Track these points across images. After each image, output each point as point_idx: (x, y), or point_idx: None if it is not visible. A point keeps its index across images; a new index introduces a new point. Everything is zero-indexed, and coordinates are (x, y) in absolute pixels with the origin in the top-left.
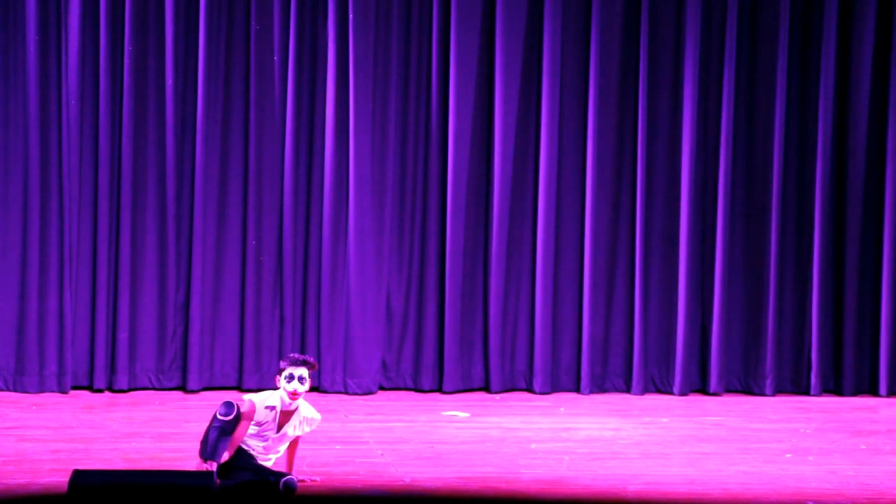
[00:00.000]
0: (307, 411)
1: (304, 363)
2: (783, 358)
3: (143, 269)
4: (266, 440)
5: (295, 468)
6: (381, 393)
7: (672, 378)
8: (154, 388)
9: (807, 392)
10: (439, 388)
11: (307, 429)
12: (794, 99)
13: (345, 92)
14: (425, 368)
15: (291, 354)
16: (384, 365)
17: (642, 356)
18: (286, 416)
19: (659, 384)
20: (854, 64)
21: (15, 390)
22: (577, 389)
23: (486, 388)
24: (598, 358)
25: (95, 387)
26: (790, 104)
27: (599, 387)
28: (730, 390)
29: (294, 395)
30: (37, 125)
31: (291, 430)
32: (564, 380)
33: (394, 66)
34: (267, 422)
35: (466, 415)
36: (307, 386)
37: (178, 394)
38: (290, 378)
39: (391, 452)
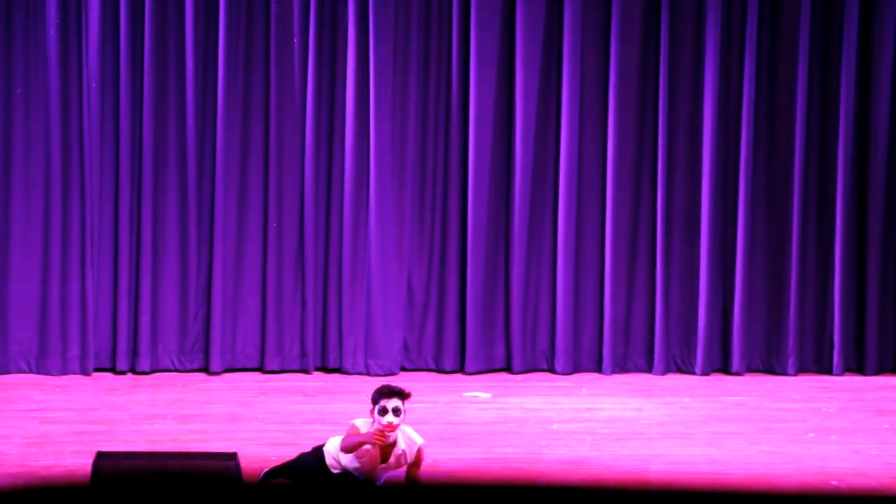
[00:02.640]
0: (406, 441)
1: (393, 393)
2: (805, 337)
3: (165, 252)
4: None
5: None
6: (402, 374)
7: (694, 358)
8: (176, 370)
9: (829, 371)
10: (461, 369)
11: (407, 458)
12: (815, 77)
13: (365, 74)
14: (447, 349)
15: (382, 385)
16: (406, 346)
17: (664, 336)
18: (383, 449)
19: (681, 364)
20: (875, 41)
21: (38, 373)
22: (599, 370)
23: (508, 369)
24: (620, 338)
25: (118, 369)
26: (812, 82)
27: (621, 367)
28: (752, 370)
29: (389, 427)
30: (58, 109)
31: (391, 460)
32: (586, 360)
33: (414, 48)
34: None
35: (488, 395)
36: (402, 417)
37: (201, 375)
38: (383, 411)
39: None
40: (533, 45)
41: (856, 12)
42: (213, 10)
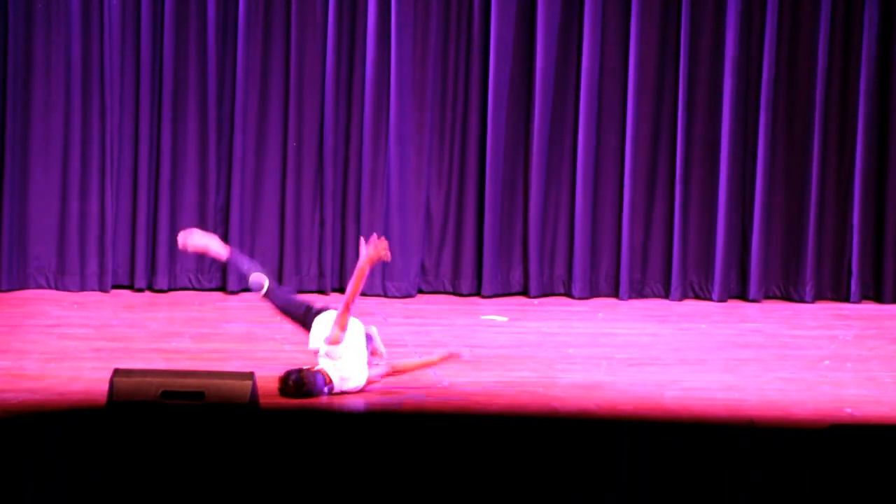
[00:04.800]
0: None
1: None
2: (823, 265)
3: (184, 171)
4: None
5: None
6: (420, 296)
7: (711, 284)
8: (194, 289)
9: (846, 299)
10: (478, 292)
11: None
12: (839, 7)
13: None
14: (464, 272)
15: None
16: (423, 268)
17: (681, 262)
18: None
19: (698, 290)
20: None
21: (56, 289)
22: (616, 295)
23: (525, 293)
24: (638, 264)
25: (136, 286)
26: (835, 13)
27: (638, 292)
28: (769, 297)
29: None
30: (78, 26)
31: None
32: (603, 285)
33: None
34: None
35: (505, 319)
36: None
37: (218, 294)
38: None
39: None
40: None
41: None
42: None
